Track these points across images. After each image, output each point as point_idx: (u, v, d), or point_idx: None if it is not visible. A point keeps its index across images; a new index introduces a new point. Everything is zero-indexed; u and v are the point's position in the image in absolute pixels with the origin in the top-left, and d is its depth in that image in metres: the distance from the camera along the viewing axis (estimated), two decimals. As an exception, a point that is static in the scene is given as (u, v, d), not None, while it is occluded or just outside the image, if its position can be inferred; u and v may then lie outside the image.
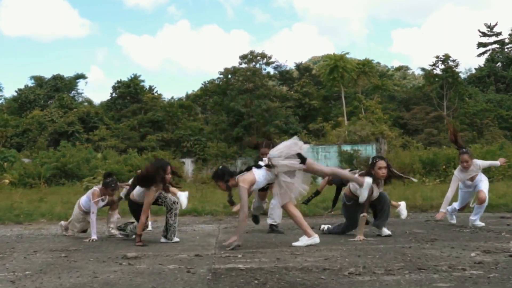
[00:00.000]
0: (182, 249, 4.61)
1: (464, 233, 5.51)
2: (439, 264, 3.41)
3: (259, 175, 4.72)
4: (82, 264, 3.78)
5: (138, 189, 5.18)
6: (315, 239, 4.67)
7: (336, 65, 33.89)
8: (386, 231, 5.42)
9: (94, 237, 5.56)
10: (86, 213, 5.80)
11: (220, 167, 5.61)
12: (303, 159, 4.73)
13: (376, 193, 5.22)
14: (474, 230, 5.77)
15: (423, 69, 42.32)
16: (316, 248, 4.43)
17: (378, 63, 47.43)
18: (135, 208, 5.25)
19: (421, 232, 5.71)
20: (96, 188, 5.80)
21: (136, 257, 4.02)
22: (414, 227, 6.26)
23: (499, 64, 44.89)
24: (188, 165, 28.57)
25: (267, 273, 3.27)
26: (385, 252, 4.05)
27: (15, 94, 42.44)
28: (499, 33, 45.05)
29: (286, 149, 4.77)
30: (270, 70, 43.12)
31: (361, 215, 5.15)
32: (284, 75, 44.22)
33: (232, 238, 4.56)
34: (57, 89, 42.66)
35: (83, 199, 5.87)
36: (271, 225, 6.13)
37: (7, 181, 19.15)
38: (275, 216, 6.11)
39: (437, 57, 39.05)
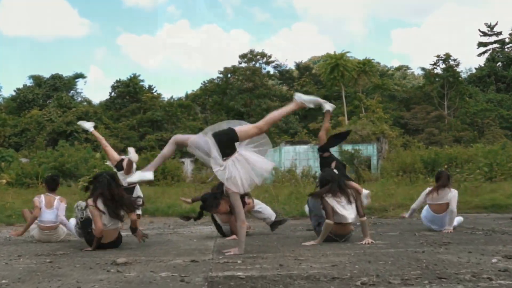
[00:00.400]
0: (177, 254, 4.29)
1: (477, 236, 5.19)
2: (460, 272, 3.08)
3: (235, 173, 4.25)
4: (66, 271, 3.45)
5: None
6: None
7: (337, 64, 33.62)
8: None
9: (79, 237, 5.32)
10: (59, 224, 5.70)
11: (202, 197, 5.51)
12: (231, 134, 4.25)
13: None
14: (487, 232, 5.45)
15: (423, 68, 42.08)
16: (322, 253, 4.10)
17: (378, 62, 47.17)
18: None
19: (432, 234, 5.39)
20: (58, 196, 5.80)
21: (126, 263, 3.69)
22: (423, 229, 5.93)
23: (499, 63, 44.61)
24: (188, 165, 28.27)
25: (270, 282, 2.94)
26: (398, 258, 3.72)
27: (14, 93, 42.12)
28: (499, 33, 44.78)
29: (204, 148, 4.25)
30: (270, 69, 42.88)
31: (362, 218, 4.86)
32: (284, 75, 43.94)
33: (234, 250, 4.22)
34: (56, 89, 42.33)
35: (55, 216, 5.65)
36: (273, 223, 5.88)
37: (4, 181, 18.90)
38: (269, 215, 5.88)
39: (438, 56, 38.86)
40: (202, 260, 3.87)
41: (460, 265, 3.32)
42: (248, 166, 4.24)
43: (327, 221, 4.78)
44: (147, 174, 4.26)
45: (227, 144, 4.24)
